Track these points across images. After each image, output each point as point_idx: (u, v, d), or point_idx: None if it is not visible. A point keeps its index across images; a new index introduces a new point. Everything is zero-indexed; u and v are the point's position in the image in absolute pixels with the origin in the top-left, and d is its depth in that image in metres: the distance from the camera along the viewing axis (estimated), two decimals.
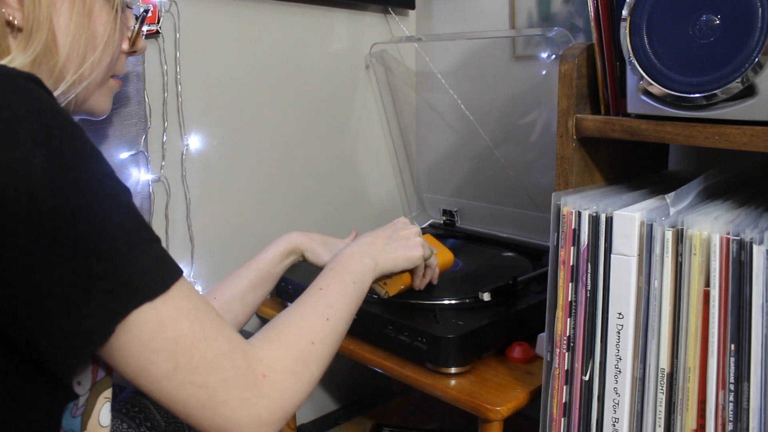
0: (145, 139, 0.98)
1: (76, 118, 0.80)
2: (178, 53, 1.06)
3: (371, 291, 0.84)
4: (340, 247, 1.01)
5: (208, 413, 0.53)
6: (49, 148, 0.45)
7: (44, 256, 0.45)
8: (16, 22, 0.57)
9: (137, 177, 0.98)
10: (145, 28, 0.99)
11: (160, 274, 0.51)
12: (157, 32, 1.02)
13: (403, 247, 0.85)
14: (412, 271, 0.91)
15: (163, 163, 1.06)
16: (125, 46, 0.71)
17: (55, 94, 0.56)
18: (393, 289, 0.91)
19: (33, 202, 0.44)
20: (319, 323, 0.65)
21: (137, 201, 0.98)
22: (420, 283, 0.93)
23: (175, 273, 0.52)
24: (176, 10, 1.05)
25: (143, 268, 0.49)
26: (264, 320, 1.23)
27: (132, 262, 0.48)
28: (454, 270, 1.12)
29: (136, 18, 0.72)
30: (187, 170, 1.10)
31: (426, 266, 0.92)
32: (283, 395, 0.57)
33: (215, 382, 0.53)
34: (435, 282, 0.96)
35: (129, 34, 0.72)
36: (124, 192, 0.51)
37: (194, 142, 1.11)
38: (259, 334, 0.62)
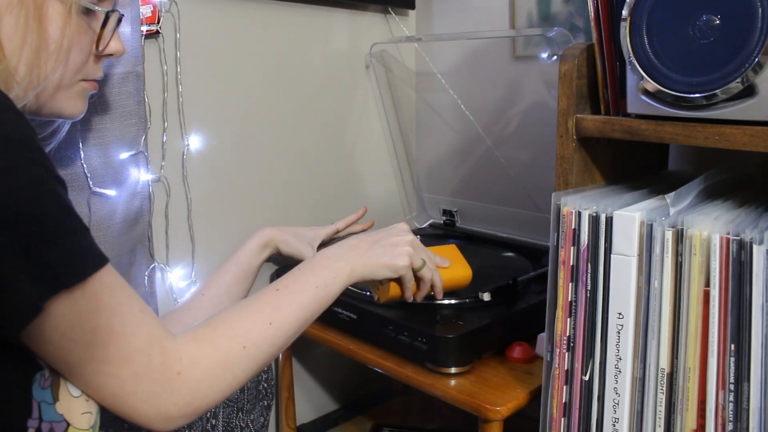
0: (145, 139, 0.98)
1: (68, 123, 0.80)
2: (178, 53, 1.06)
3: (367, 289, 0.84)
4: (309, 235, 1.09)
5: (118, 401, 0.56)
6: None
7: None
8: None
9: (137, 177, 0.98)
10: (144, 28, 0.99)
11: (79, 263, 0.51)
12: (157, 32, 1.02)
13: (387, 254, 0.81)
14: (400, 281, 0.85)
15: (163, 163, 1.06)
16: (94, 48, 0.69)
17: (10, 96, 0.56)
18: (383, 296, 0.88)
19: None
20: (259, 327, 0.65)
21: (137, 201, 0.98)
22: (409, 295, 0.87)
23: (96, 264, 0.53)
24: (176, 10, 1.05)
25: (63, 256, 0.50)
26: None
27: (52, 249, 0.49)
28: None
29: (106, 19, 0.69)
30: (188, 170, 1.10)
31: (418, 278, 0.86)
32: (194, 395, 0.59)
33: (126, 374, 0.55)
34: (438, 296, 0.90)
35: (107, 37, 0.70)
36: (52, 180, 0.51)
37: (194, 142, 1.11)
38: (192, 329, 0.63)
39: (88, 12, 0.66)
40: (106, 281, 0.54)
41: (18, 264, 0.48)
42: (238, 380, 0.62)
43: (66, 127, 0.84)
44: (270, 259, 1.08)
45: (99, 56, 0.71)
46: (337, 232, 1.19)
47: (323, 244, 1.14)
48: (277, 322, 0.66)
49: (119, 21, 0.71)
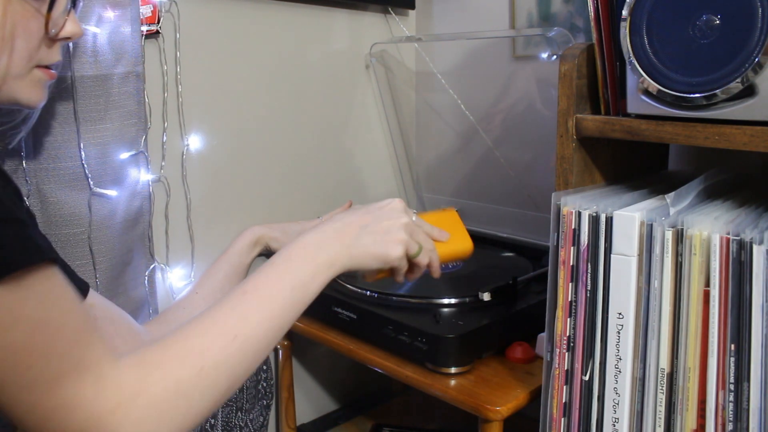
0: (145, 139, 0.98)
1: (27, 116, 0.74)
2: (178, 53, 1.06)
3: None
4: (296, 230, 1.06)
5: None
6: None
7: None
8: None
9: (137, 177, 0.98)
10: (144, 28, 0.99)
11: (8, 254, 0.43)
12: (157, 32, 1.02)
13: (377, 243, 0.69)
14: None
15: (163, 164, 1.06)
16: (49, 32, 0.64)
17: None
18: (370, 276, 0.78)
19: None
20: (221, 342, 0.54)
21: (137, 201, 0.98)
22: (401, 279, 0.77)
23: (30, 258, 0.44)
24: (176, 10, 1.05)
25: None
26: None
27: None
28: (455, 269, 1.12)
29: (52, 4, 0.63)
30: (188, 170, 1.10)
31: (413, 264, 0.76)
32: (139, 430, 0.48)
33: (51, 406, 0.45)
34: (435, 275, 0.80)
35: (61, 20, 0.64)
36: None
37: (194, 142, 1.11)
38: (141, 349, 0.53)
39: None
40: (38, 285, 0.45)
41: None
42: (196, 410, 0.52)
43: (36, 115, 0.81)
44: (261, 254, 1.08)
45: (54, 40, 0.66)
46: None
47: None
48: (244, 335, 0.55)
49: (74, 3, 0.67)
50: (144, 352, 0.52)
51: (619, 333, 0.71)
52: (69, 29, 0.66)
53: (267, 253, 1.08)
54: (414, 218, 0.77)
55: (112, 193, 0.94)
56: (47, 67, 0.67)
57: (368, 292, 1.02)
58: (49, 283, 0.46)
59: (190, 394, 0.51)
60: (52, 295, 0.46)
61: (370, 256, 0.69)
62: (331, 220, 0.70)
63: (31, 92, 0.65)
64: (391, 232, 0.71)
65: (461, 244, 0.85)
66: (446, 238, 0.82)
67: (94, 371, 0.48)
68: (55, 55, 0.67)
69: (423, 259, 0.76)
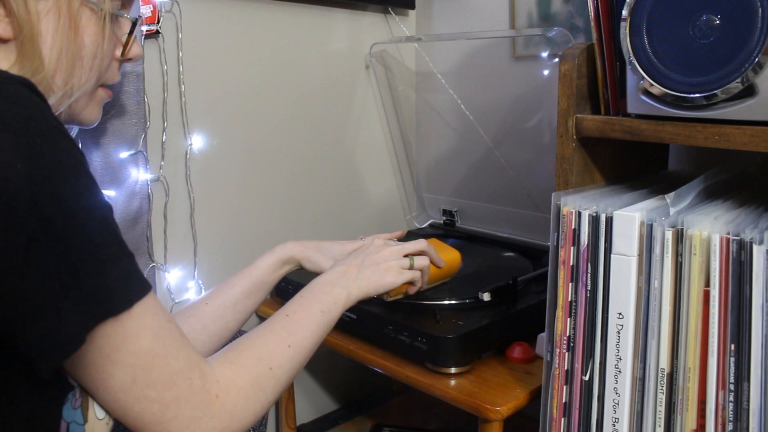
0: (144, 138, 0.98)
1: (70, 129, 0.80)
2: (180, 53, 1.06)
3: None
4: (335, 249, 1.00)
5: (159, 428, 0.55)
6: (30, 155, 0.45)
7: (19, 261, 0.45)
8: (2, 34, 0.58)
9: (136, 177, 0.98)
10: (144, 28, 0.99)
11: (126, 291, 0.52)
12: (157, 32, 1.02)
13: (375, 274, 0.83)
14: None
15: (162, 163, 1.06)
16: (118, 53, 0.71)
17: None
18: (387, 297, 0.93)
19: (11, 207, 0.44)
20: (280, 349, 0.67)
21: (136, 201, 0.98)
22: (413, 290, 0.92)
23: (140, 290, 0.53)
24: (178, 10, 1.05)
25: (109, 283, 0.50)
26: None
27: (98, 276, 0.49)
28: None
29: (133, 25, 0.71)
30: (190, 170, 1.10)
31: (416, 271, 0.89)
32: (233, 417, 0.59)
33: (169, 398, 0.55)
34: (423, 287, 0.93)
35: (122, 41, 0.71)
36: (101, 206, 0.51)
37: (196, 141, 1.11)
38: (221, 353, 0.63)
39: (113, 18, 0.67)
40: (149, 306, 0.54)
41: (63, 291, 0.47)
42: (269, 401, 0.64)
43: (74, 133, 0.84)
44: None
45: (120, 61, 0.72)
46: None
47: None
48: (295, 344, 0.68)
49: (139, 25, 0.73)
50: (225, 354, 0.63)
51: (619, 333, 0.71)
52: (135, 51, 0.73)
53: (298, 272, 1.01)
54: (394, 242, 0.91)
55: (110, 192, 0.94)
56: (108, 87, 0.73)
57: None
58: (155, 300, 0.56)
59: (265, 388, 0.63)
60: (157, 309, 0.55)
61: (373, 285, 0.82)
62: (336, 266, 0.84)
63: (93, 111, 0.71)
64: (380, 263, 0.85)
65: (450, 254, 0.99)
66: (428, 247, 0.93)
67: (198, 368, 0.57)
68: (117, 75, 0.73)
69: (420, 262, 0.89)
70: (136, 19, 0.71)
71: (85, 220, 0.49)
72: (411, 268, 0.87)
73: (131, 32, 0.71)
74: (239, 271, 0.91)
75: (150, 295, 0.54)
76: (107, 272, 0.50)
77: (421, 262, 0.89)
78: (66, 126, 0.74)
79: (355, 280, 0.81)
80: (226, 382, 0.59)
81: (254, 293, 0.90)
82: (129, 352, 0.52)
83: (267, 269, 0.92)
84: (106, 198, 0.52)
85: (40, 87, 0.57)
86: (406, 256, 0.88)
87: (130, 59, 0.74)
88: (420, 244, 0.92)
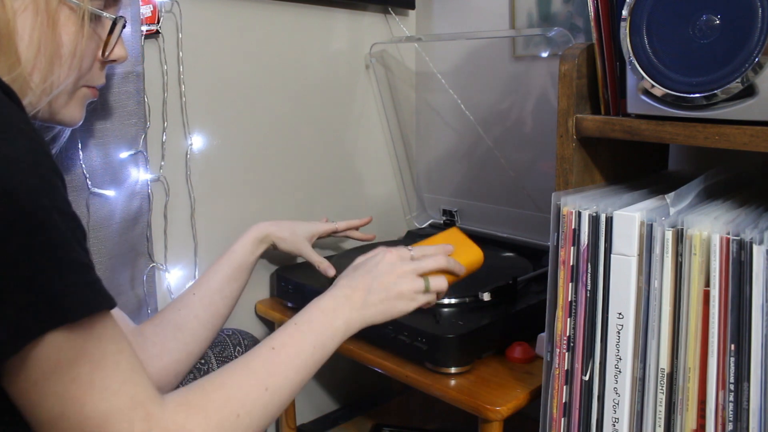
0: (145, 138, 0.98)
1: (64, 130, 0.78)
2: (180, 53, 1.06)
3: None
4: (307, 230, 1.07)
5: None
6: None
7: None
8: None
9: (136, 177, 0.97)
10: (144, 28, 0.99)
11: (87, 298, 0.47)
12: (157, 32, 1.02)
13: (384, 301, 0.74)
14: None
15: (162, 163, 1.06)
16: (101, 54, 0.69)
17: (24, 103, 0.54)
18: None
19: None
20: (254, 393, 0.59)
21: (136, 201, 0.98)
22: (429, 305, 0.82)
23: (101, 304, 0.49)
24: (178, 10, 1.05)
25: (71, 287, 0.46)
26: (268, 324, 1.23)
27: (59, 280, 0.46)
28: None
29: (113, 25, 0.68)
30: (191, 169, 1.10)
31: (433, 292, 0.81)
32: None
33: None
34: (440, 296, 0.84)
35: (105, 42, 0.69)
36: (62, 213, 0.48)
37: (196, 141, 1.11)
38: (183, 390, 0.57)
39: (94, 18, 0.66)
40: (99, 327, 0.49)
41: (19, 290, 0.44)
42: None
43: (67, 133, 0.84)
44: (265, 255, 1.07)
45: (103, 62, 0.71)
46: (336, 231, 1.18)
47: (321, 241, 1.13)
48: (273, 386, 0.61)
49: (123, 26, 0.71)
50: (186, 395, 0.56)
51: (619, 333, 0.71)
52: (118, 52, 0.71)
53: (272, 252, 1.06)
54: (413, 252, 0.81)
55: (110, 193, 0.94)
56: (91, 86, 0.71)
57: None
58: (108, 324, 0.50)
59: None
60: (109, 336, 0.50)
61: (380, 315, 0.74)
62: (341, 286, 0.75)
63: (74, 110, 0.69)
64: (392, 288, 0.75)
65: (471, 255, 0.88)
66: (452, 250, 0.84)
67: (143, 409, 0.50)
68: (102, 77, 0.72)
69: (436, 286, 0.79)
70: (117, 19, 0.68)
71: (47, 223, 0.46)
72: (426, 290, 0.78)
73: (111, 32, 0.68)
74: (218, 258, 0.95)
75: (109, 316, 0.50)
76: (70, 277, 0.46)
77: (438, 284, 0.79)
78: (47, 125, 0.73)
79: (360, 309, 0.73)
80: (177, 429, 0.51)
81: (237, 276, 0.94)
82: (62, 381, 0.47)
83: (245, 252, 0.96)
84: (71, 207, 0.49)
85: (15, 84, 0.56)
86: (422, 275, 0.78)
87: (113, 60, 0.71)
88: (439, 261, 0.80)
